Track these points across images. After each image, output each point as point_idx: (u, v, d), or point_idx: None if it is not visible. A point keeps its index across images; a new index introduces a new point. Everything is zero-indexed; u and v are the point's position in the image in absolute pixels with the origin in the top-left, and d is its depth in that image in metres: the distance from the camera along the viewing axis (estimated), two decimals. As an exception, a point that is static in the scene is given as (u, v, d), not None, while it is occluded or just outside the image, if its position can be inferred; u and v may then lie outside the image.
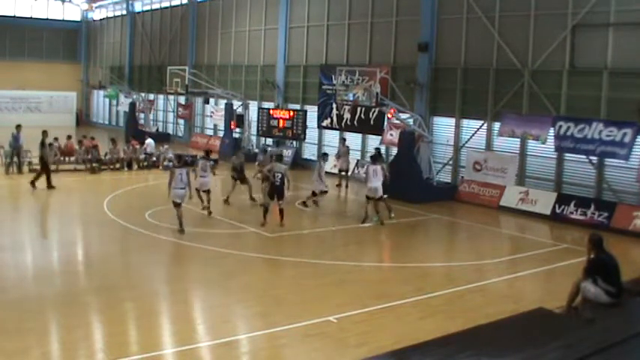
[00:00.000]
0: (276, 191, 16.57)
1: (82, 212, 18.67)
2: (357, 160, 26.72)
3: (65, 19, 52.23)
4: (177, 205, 15.43)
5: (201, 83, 32.49)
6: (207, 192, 17.87)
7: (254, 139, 32.18)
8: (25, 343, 8.84)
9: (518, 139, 21.04)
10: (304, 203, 19.52)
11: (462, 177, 22.69)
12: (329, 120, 27.76)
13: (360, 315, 10.37)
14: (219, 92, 31.93)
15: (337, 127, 27.56)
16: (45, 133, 22.13)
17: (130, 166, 26.84)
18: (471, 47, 22.78)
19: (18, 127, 24.62)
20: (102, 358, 8.54)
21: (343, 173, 24.65)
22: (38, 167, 22.07)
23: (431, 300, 11.37)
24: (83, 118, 51.08)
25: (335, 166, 25.33)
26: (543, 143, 19.94)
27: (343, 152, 25.04)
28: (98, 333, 9.58)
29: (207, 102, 34.49)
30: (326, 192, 19.88)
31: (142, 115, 42.00)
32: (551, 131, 19.50)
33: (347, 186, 24.37)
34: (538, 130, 19.93)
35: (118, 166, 26.55)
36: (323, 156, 20.98)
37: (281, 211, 16.70)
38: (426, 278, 13.00)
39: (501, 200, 20.90)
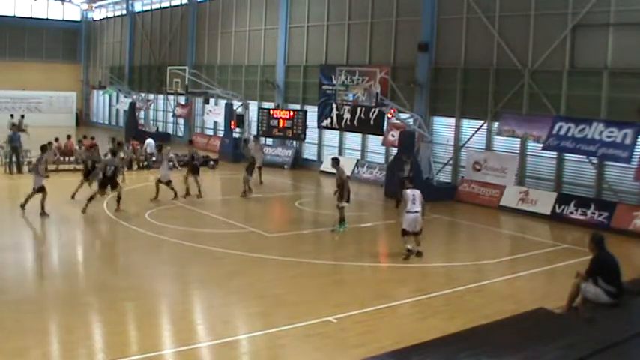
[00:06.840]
0: (109, 182, 18.02)
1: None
2: (357, 161, 26.71)
3: (65, 19, 52.22)
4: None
5: (201, 83, 32.47)
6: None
7: (254, 139, 32.17)
8: (25, 343, 8.84)
9: (519, 140, 21.05)
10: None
11: (462, 177, 22.68)
12: (329, 120, 27.75)
13: (359, 315, 10.37)
14: (219, 92, 31.92)
15: (337, 127, 27.55)
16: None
17: (130, 166, 26.82)
18: (470, 47, 22.78)
19: (14, 126, 24.58)
20: (102, 358, 8.53)
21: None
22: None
23: (431, 300, 11.37)
24: (83, 118, 51.07)
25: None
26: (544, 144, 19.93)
27: (255, 149, 23.70)
28: (98, 333, 9.57)
29: (207, 102, 34.48)
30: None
31: (142, 115, 41.97)
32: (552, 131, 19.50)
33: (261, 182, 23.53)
34: (539, 131, 19.90)
35: (118, 166, 26.49)
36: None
37: (118, 199, 17.96)
38: (426, 278, 13.01)
39: (501, 200, 20.89)
